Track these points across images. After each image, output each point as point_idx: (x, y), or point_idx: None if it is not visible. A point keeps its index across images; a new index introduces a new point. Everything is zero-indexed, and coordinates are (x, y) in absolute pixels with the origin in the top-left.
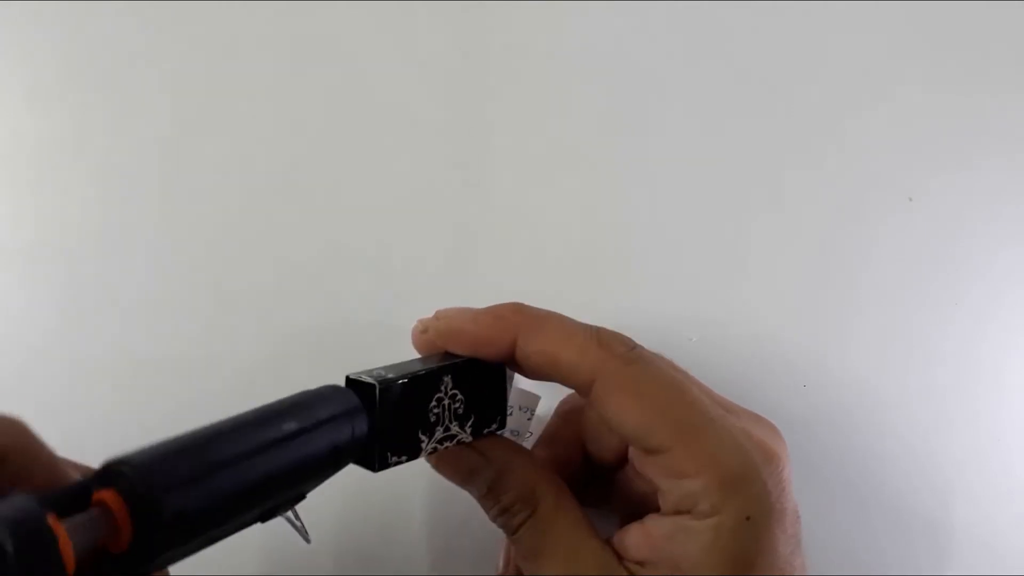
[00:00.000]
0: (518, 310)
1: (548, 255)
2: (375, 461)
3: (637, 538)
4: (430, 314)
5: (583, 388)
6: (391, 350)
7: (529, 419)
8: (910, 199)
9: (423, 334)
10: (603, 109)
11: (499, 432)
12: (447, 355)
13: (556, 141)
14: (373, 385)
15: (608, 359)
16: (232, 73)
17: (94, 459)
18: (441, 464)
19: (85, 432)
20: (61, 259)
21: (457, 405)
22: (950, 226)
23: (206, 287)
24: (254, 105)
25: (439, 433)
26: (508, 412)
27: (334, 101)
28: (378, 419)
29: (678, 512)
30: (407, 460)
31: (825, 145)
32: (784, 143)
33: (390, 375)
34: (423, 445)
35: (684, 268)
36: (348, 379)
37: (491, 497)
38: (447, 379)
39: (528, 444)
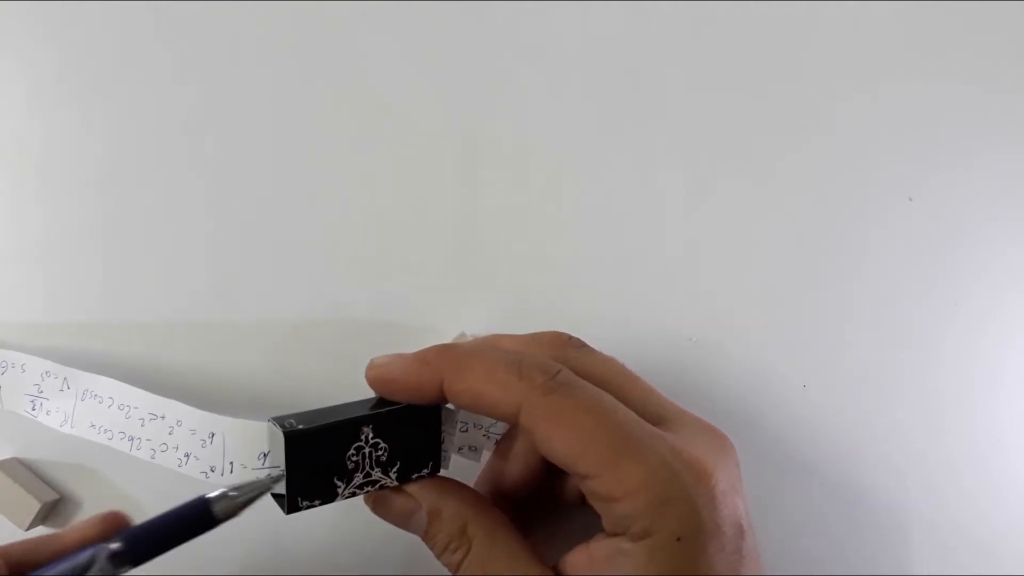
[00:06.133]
0: (442, 353)
1: (547, 255)
2: (284, 504)
3: (581, 560)
4: (429, 314)
5: (512, 421)
6: (391, 350)
7: (484, 434)
8: (910, 199)
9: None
10: (603, 109)
11: (446, 467)
12: (383, 400)
13: (556, 142)
14: (281, 434)
15: (528, 391)
16: (233, 73)
17: (92, 459)
18: (378, 509)
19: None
20: (62, 259)
21: (380, 453)
22: (950, 226)
23: (207, 287)
24: (255, 105)
25: (358, 479)
26: (464, 429)
27: (334, 101)
28: (287, 465)
29: (616, 533)
30: (320, 504)
31: (825, 144)
32: (783, 142)
33: (300, 425)
34: (339, 490)
35: (683, 268)
36: (271, 420)
37: (428, 538)
38: (367, 429)
39: (491, 447)
